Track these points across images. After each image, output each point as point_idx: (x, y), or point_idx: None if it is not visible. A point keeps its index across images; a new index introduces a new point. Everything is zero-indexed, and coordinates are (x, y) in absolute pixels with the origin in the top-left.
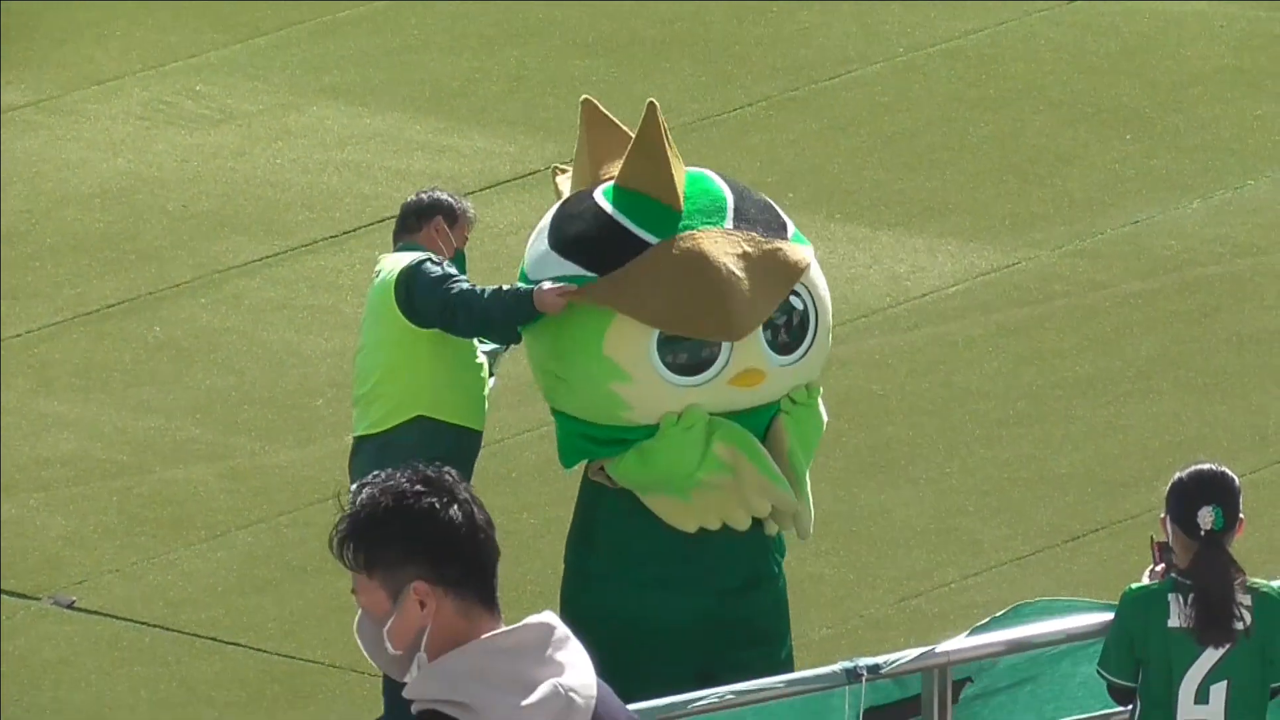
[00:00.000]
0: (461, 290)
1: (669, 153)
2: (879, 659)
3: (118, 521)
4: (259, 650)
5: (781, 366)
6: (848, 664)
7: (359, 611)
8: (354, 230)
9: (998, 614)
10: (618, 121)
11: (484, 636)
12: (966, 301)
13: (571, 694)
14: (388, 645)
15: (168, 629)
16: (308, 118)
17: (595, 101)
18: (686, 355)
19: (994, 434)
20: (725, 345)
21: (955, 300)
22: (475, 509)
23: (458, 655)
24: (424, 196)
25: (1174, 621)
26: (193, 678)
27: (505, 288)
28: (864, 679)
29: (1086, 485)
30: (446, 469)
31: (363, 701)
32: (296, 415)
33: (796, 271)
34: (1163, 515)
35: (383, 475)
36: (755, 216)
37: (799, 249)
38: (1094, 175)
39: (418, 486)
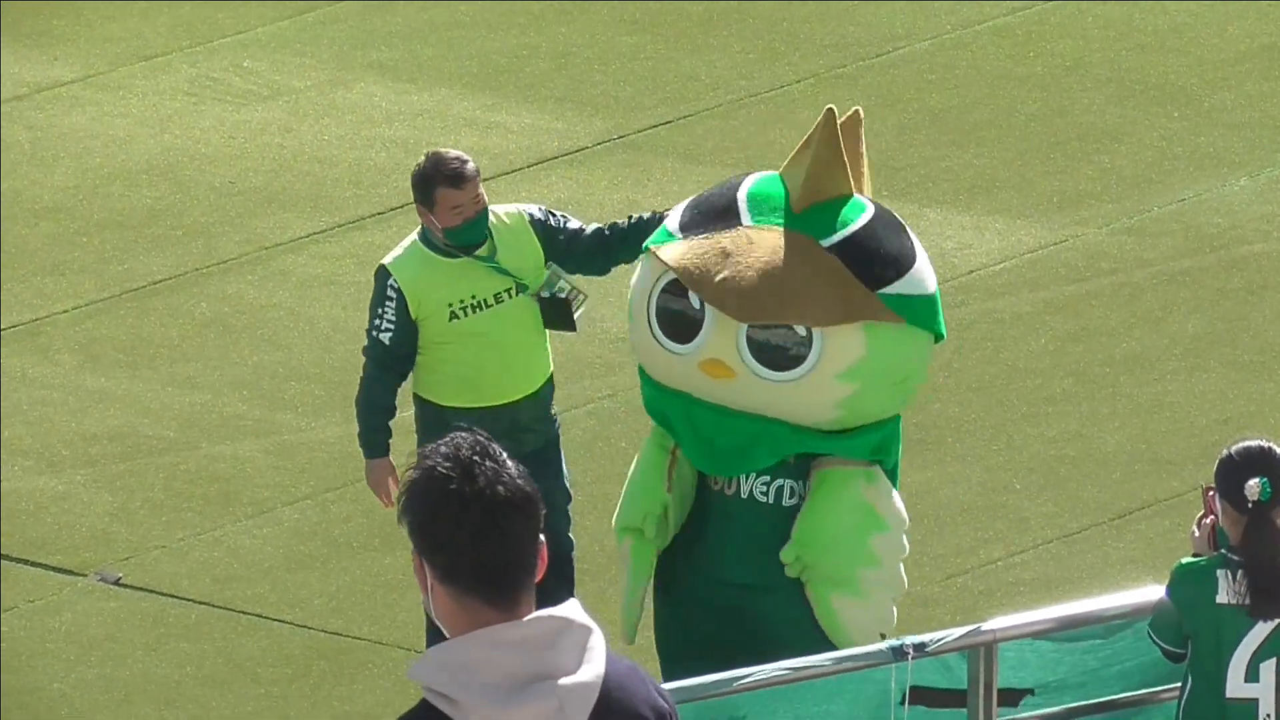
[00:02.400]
0: (365, 364)
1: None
2: (925, 637)
3: (164, 497)
4: (305, 627)
5: (761, 378)
6: (894, 642)
7: None
8: (400, 207)
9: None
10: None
11: (492, 627)
12: (1013, 278)
13: (566, 695)
14: (432, 614)
15: (214, 605)
16: (355, 94)
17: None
18: (672, 317)
19: (1041, 411)
20: (706, 325)
21: (1002, 277)
22: (499, 499)
23: (460, 643)
24: (414, 170)
25: (1223, 598)
26: (239, 654)
27: (364, 415)
28: (910, 657)
29: (1133, 462)
30: (492, 445)
31: (408, 679)
32: (343, 391)
33: (805, 303)
34: (1211, 492)
35: (446, 444)
36: (845, 242)
37: (837, 296)
38: (1141, 152)
39: (443, 466)
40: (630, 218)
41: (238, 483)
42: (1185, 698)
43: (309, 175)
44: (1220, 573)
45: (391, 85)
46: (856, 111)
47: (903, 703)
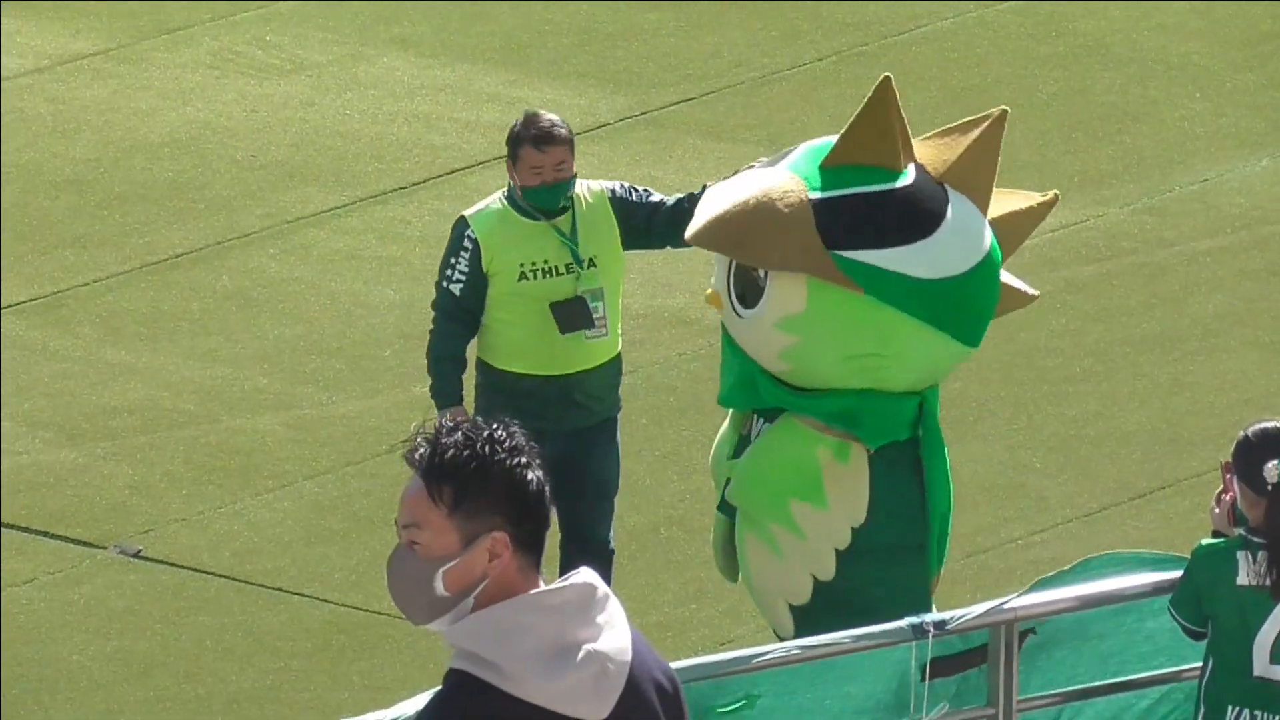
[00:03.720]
0: (435, 316)
1: (896, 122)
2: (946, 614)
3: (184, 471)
4: (324, 600)
5: (732, 310)
6: (914, 619)
7: (398, 546)
8: (423, 182)
9: (1064, 569)
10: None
11: (532, 592)
12: (1035, 258)
13: (606, 661)
14: (439, 585)
15: (234, 579)
16: (377, 68)
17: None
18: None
19: (1061, 391)
20: (717, 257)
21: (1023, 257)
22: (544, 473)
23: (507, 607)
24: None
25: (1243, 579)
26: (258, 628)
27: (435, 365)
28: (931, 635)
29: (1153, 442)
30: (522, 430)
31: (428, 653)
32: (364, 366)
33: (753, 243)
34: (1229, 474)
35: (470, 424)
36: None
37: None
38: (1163, 133)
39: (510, 442)
40: (705, 185)
41: (258, 456)
42: (1206, 678)
43: (331, 149)
44: (1240, 554)
45: (414, 60)
46: (1003, 112)
47: (923, 679)
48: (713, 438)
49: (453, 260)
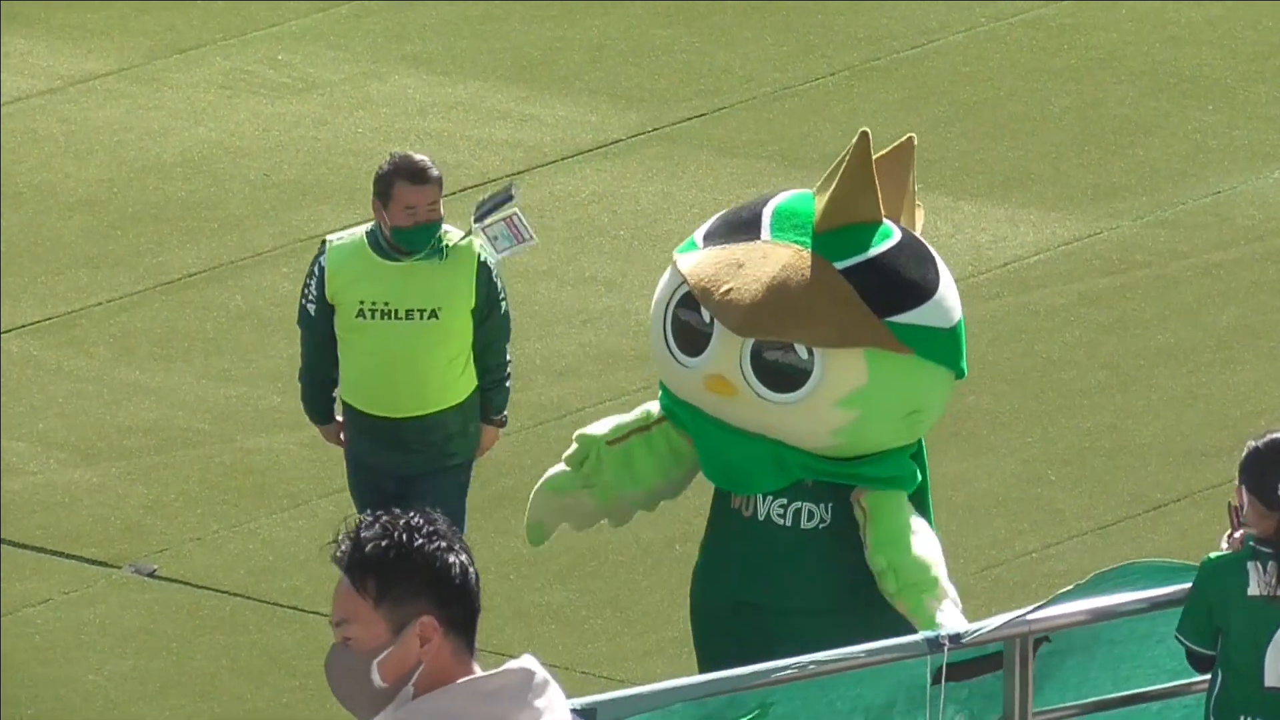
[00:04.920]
0: (300, 337)
1: (874, 177)
2: (961, 627)
3: (199, 490)
4: None
5: (761, 397)
6: (930, 633)
7: (333, 645)
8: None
9: (1081, 581)
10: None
11: (466, 679)
12: (1048, 271)
13: None
14: (375, 677)
15: (249, 598)
16: (389, 86)
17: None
18: (685, 329)
19: (1075, 403)
20: (713, 340)
21: (1037, 270)
22: (470, 559)
23: (442, 695)
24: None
25: (1254, 590)
26: (274, 646)
27: (304, 382)
28: (946, 648)
29: (1168, 454)
30: (442, 518)
31: None
32: None
33: (808, 323)
34: (1235, 505)
35: (388, 515)
36: (860, 271)
37: (840, 321)
38: (1176, 145)
39: (428, 528)
40: (488, 379)
41: (272, 475)
42: (1216, 691)
43: (343, 168)
44: (1250, 565)
45: (425, 78)
46: (910, 139)
47: (936, 681)
48: None
49: (308, 280)
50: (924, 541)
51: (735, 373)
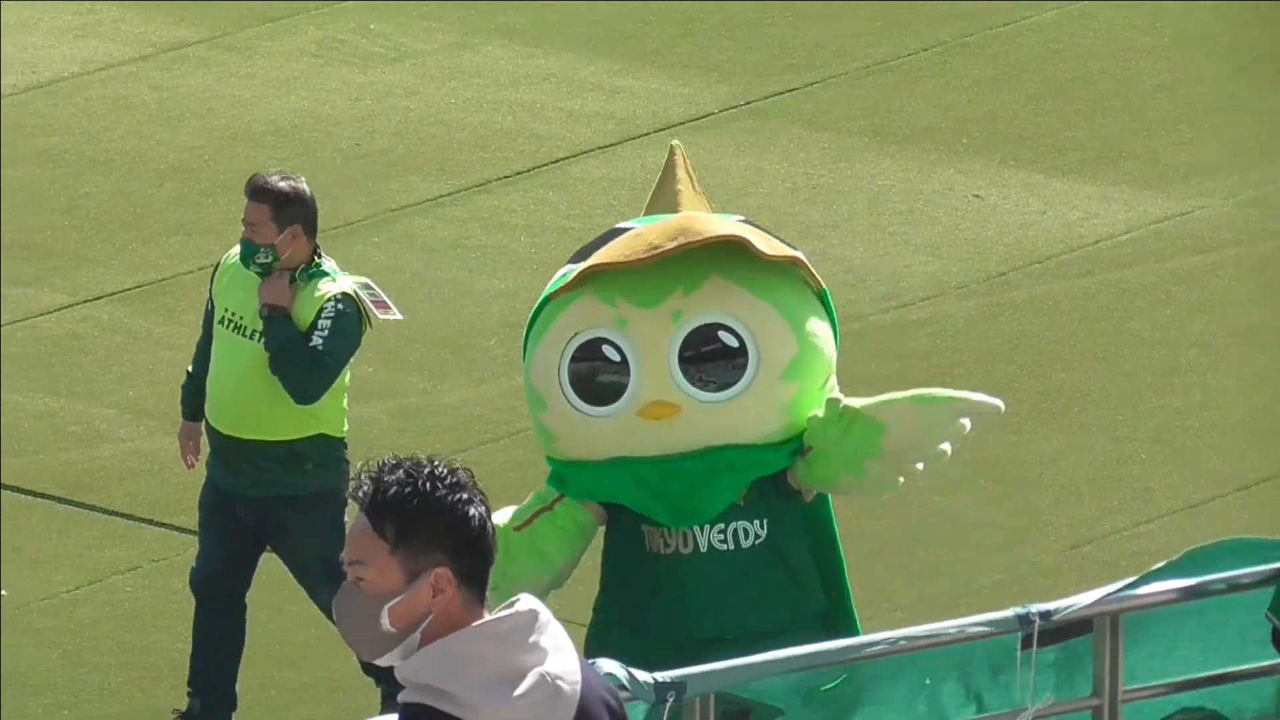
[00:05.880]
0: None
1: (689, 190)
2: (1051, 605)
3: None
4: None
5: (704, 403)
6: (1020, 609)
7: (344, 583)
8: (527, 171)
9: (1169, 560)
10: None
11: (478, 623)
12: (1139, 249)
13: (558, 681)
14: (384, 622)
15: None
16: (481, 57)
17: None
18: (592, 382)
19: (1165, 381)
20: (634, 373)
21: (1127, 247)
22: (488, 512)
23: (454, 639)
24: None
25: None
26: None
27: (186, 380)
28: (1036, 624)
29: (1257, 433)
30: (463, 467)
31: None
32: (467, 355)
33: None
34: None
35: (411, 460)
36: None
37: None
38: (1267, 124)
39: (451, 479)
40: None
41: (362, 445)
42: None
43: (434, 138)
44: None
45: (517, 49)
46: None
47: (1024, 646)
48: None
49: (212, 274)
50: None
51: (671, 390)
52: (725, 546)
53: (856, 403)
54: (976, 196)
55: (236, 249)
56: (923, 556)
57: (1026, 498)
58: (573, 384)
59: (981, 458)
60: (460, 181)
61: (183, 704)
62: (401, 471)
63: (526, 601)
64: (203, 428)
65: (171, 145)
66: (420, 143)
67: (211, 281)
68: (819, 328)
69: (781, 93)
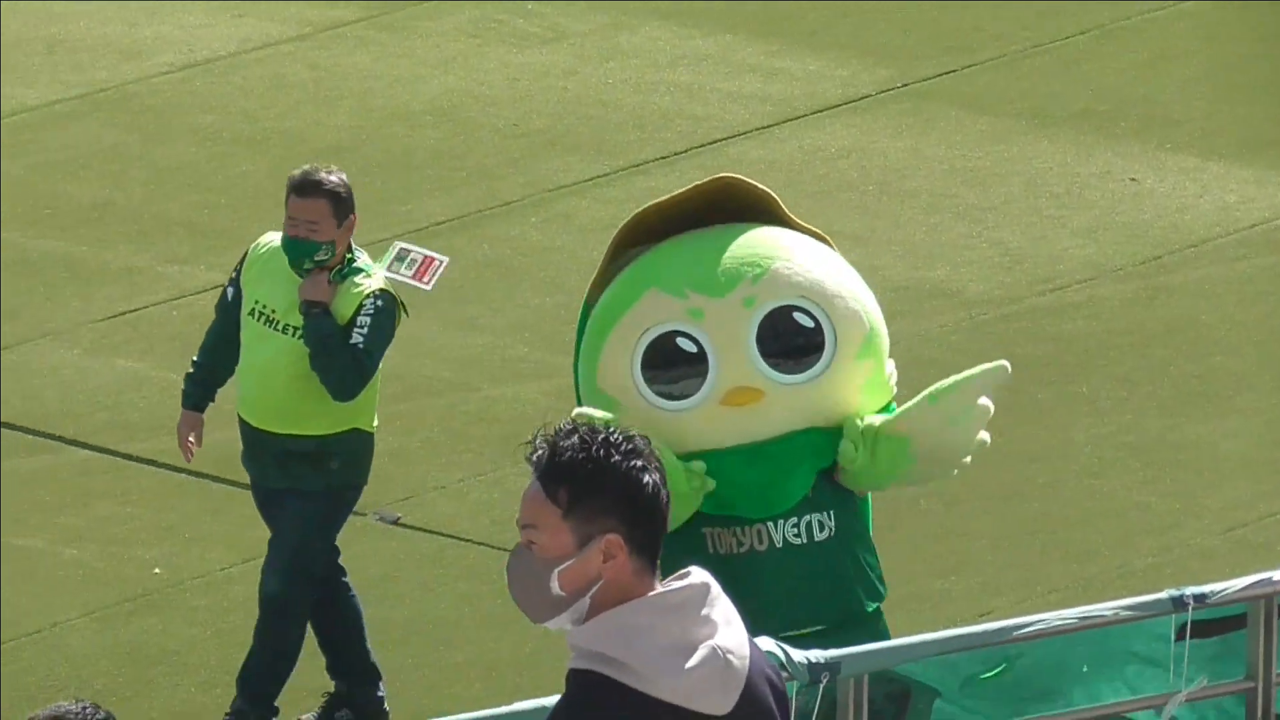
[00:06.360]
0: None
1: None
2: (1206, 588)
3: (443, 439)
4: None
5: (785, 385)
6: (1174, 592)
7: (516, 545)
8: (684, 151)
9: None
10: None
11: (651, 594)
12: None
13: (729, 655)
14: (554, 585)
15: (492, 546)
16: (639, 38)
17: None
18: (670, 376)
19: None
20: (711, 363)
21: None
22: (663, 477)
23: (629, 609)
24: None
25: None
26: None
27: (193, 369)
28: (1190, 607)
29: None
30: (640, 434)
31: None
32: None
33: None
34: None
35: (586, 427)
36: None
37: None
38: None
39: (626, 445)
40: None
41: (517, 425)
42: None
43: (592, 118)
44: None
45: (675, 30)
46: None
47: (1180, 638)
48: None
49: (237, 265)
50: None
51: (754, 375)
52: (800, 541)
53: (876, 420)
54: (1133, 180)
55: (269, 238)
56: (1077, 539)
57: (1182, 481)
58: (649, 382)
59: (1136, 441)
60: (617, 162)
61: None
62: (577, 437)
63: (698, 574)
64: (204, 418)
65: (328, 125)
66: (577, 123)
67: (239, 270)
68: (873, 305)
69: (939, 75)
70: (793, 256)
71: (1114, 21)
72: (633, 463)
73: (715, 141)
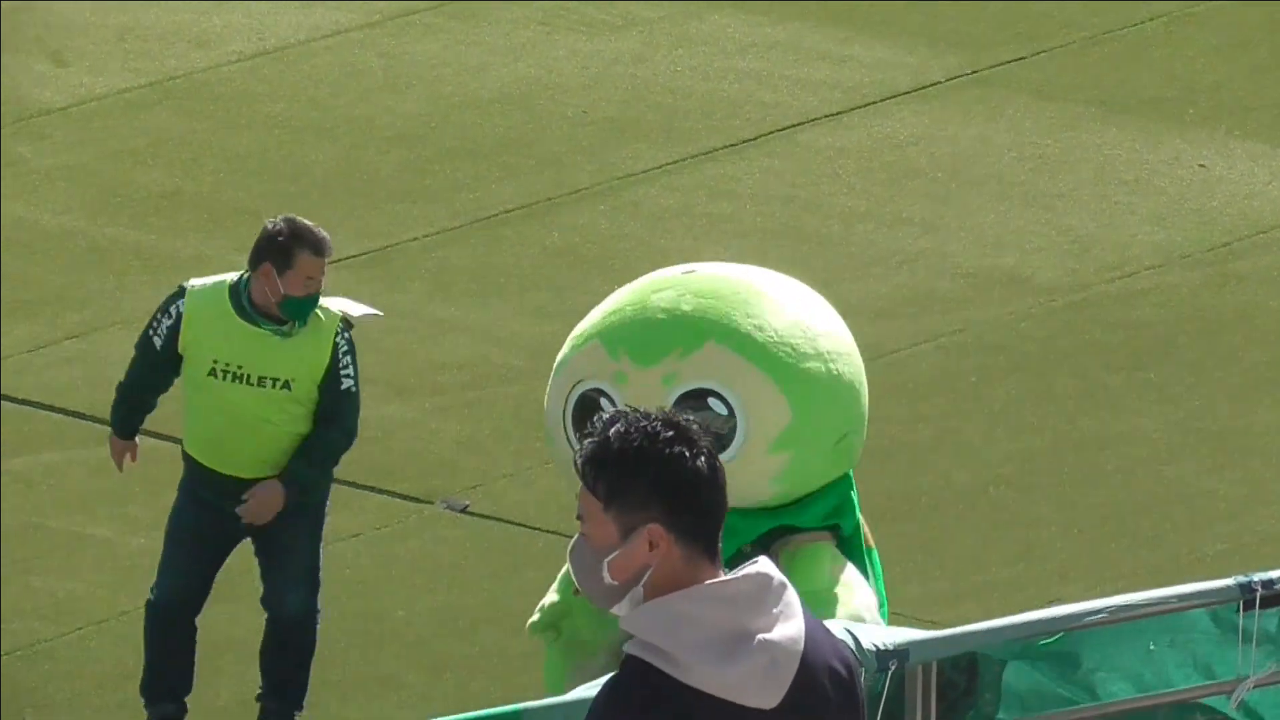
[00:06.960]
0: (135, 354)
1: None
2: (1274, 574)
3: (512, 427)
4: None
5: None
6: (1242, 578)
7: (576, 535)
8: (753, 139)
9: None
10: None
11: (707, 582)
12: None
13: (777, 651)
14: (605, 575)
15: (561, 534)
16: (708, 25)
17: None
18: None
19: None
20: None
21: None
22: (716, 460)
23: (682, 598)
24: (269, 229)
25: None
26: None
27: (121, 397)
28: (1259, 593)
29: None
30: (690, 418)
31: None
32: None
33: None
34: None
35: (632, 414)
36: None
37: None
38: None
39: (669, 432)
40: (314, 449)
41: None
42: None
43: (661, 106)
44: None
45: (745, 17)
46: None
47: (1247, 609)
48: (1044, 395)
49: (159, 318)
50: (844, 595)
51: None
52: None
53: (793, 542)
54: (1202, 166)
55: (196, 288)
56: (1146, 525)
57: (1251, 467)
58: (575, 432)
59: (1206, 427)
60: (687, 149)
61: (401, 669)
62: (618, 426)
63: (763, 564)
64: (136, 446)
65: (398, 112)
66: (647, 110)
67: (173, 330)
68: (826, 388)
69: (1009, 62)
70: (743, 323)
71: (1183, 8)
72: (674, 449)
73: (784, 129)
